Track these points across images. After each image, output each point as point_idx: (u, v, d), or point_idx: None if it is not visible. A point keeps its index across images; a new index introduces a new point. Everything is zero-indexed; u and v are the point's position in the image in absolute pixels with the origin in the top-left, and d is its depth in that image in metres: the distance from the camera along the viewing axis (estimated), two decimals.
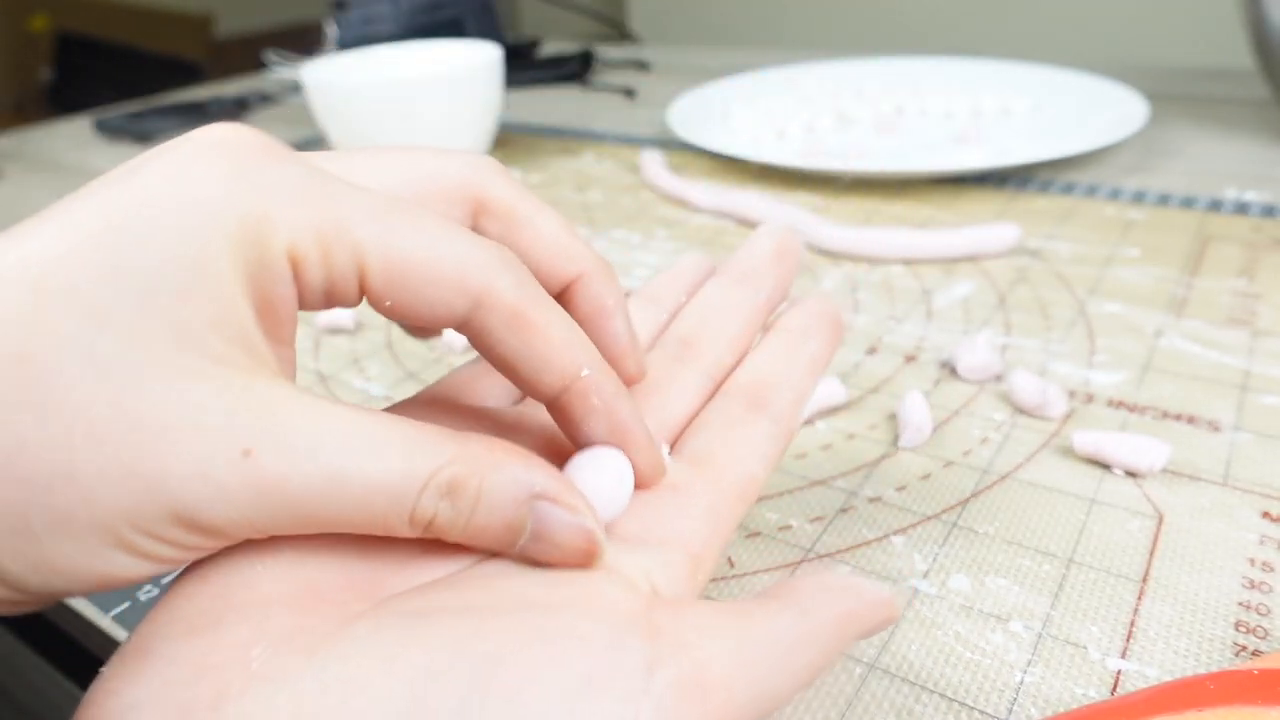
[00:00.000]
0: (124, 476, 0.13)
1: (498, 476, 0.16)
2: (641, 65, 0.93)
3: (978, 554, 0.25)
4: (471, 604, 0.15)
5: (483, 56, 0.61)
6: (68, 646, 0.28)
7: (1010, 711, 0.20)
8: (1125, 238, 0.44)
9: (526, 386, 0.18)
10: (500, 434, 0.18)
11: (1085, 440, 0.28)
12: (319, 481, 0.14)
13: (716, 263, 0.25)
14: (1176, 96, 0.68)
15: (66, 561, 0.14)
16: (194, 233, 0.15)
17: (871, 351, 0.35)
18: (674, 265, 0.25)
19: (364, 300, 0.17)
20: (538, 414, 0.21)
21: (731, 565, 0.25)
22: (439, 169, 0.19)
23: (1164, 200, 0.48)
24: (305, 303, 0.17)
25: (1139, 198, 0.49)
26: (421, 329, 0.21)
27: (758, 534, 0.26)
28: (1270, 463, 0.27)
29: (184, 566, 0.15)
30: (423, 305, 0.17)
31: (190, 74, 2.21)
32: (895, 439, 0.30)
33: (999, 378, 0.33)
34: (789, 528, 0.26)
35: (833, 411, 0.31)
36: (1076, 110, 0.61)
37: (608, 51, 0.99)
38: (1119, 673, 0.21)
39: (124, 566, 0.14)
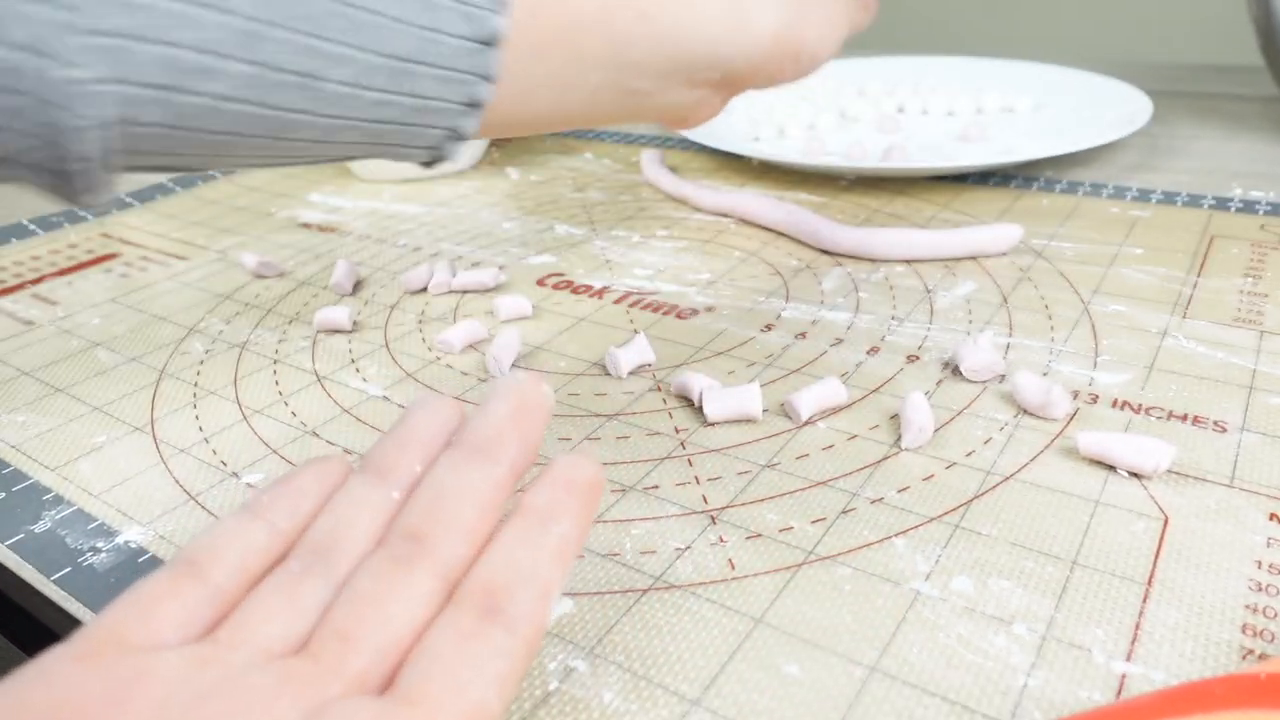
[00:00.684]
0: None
1: None
2: None
3: (981, 556, 0.24)
4: None
5: None
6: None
7: (1013, 715, 0.20)
8: (1130, 237, 0.43)
9: None
10: None
11: (1089, 441, 0.27)
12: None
13: (460, 410, 0.22)
14: (1181, 94, 0.67)
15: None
16: None
17: (873, 351, 0.35)
18: (408, 419, 0.22)
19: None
20: None
21: (732, 567, 0.24)
22: None
23: (1169, 199, 0.48)
24: None
25: (1143, 196, 0.48)
26: None
27: (758, 535, 0.26)
28: (1278, 464, 0.27)
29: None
30: None
31: None
32: (897, 439, 0.29)
33: (1002, 378, 0.32)
34: (790, 529, 0.26)
35: (834, 412, 0.31)
36: (1080, 108, 0.61)
37: None
38: (1124, 676, 0.20)
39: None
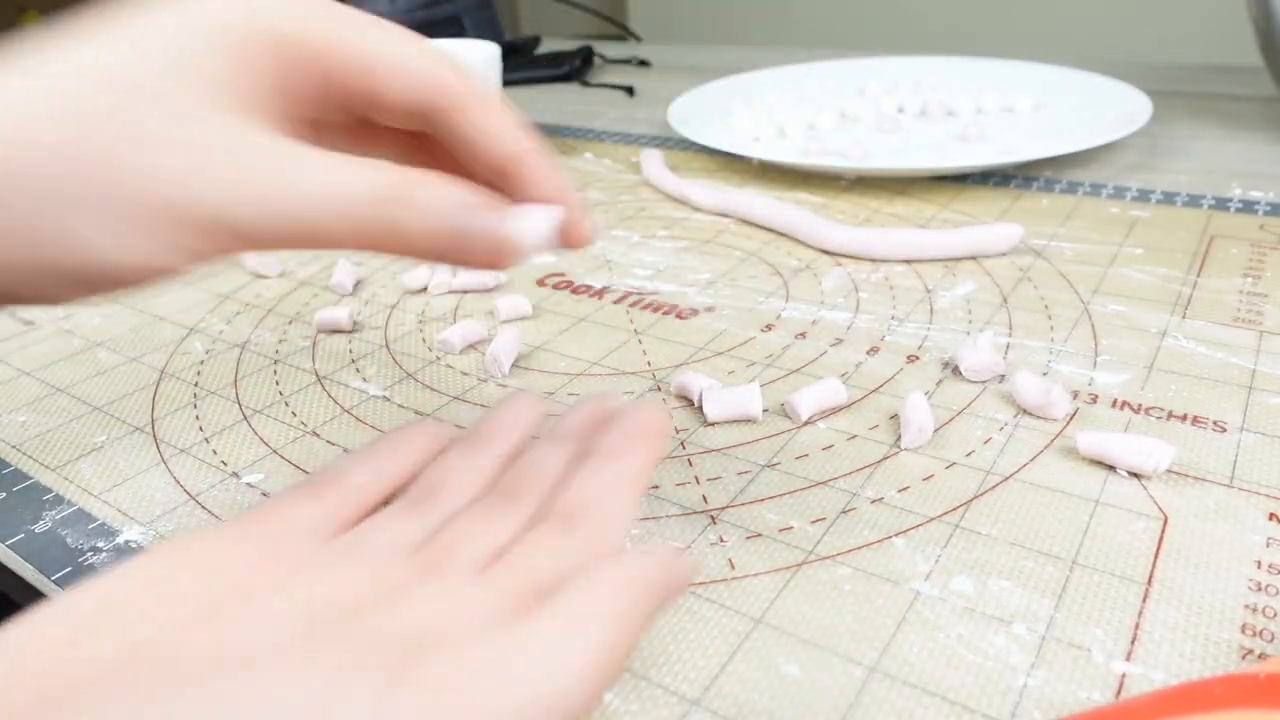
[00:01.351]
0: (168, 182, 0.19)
1: (429, 191, 0.20)
2: (642, 63, 0.93)
3: (980, 555, 0.24)
4: None
5: (481, 54, 0.61)
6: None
7: (1013, 715, 0.20)
8: (1129, 237, 0.43)
9: (484, 156, 0.22)
10: None
11: (1089, 441, 0.27)
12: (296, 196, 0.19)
13: (545, 404, 0.26)
14: (1181, 94, 0.67)
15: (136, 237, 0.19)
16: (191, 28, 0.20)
17: (873, 351, 0.35)
18: (500, 409, 0.25)
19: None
20: None
21: (732, 567, 0.24)
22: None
23: (1169, 199, 0.48)
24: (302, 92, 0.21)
25: (1143, 196, 0.48)
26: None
27: (759, 535, 0.26)
28: (1277, 464, 0.27)
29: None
30: (394, 92, 0.22)
31: None
32: (897, 439, 0.29)
33: (1002, 378, 0.32)
34: (790, 529, 0.26)
35: (834, 412, 0.31)
36: (1080, 108, 0.61)
37: (608, 50, 0.99)
38: (1123, 676, 0.20)
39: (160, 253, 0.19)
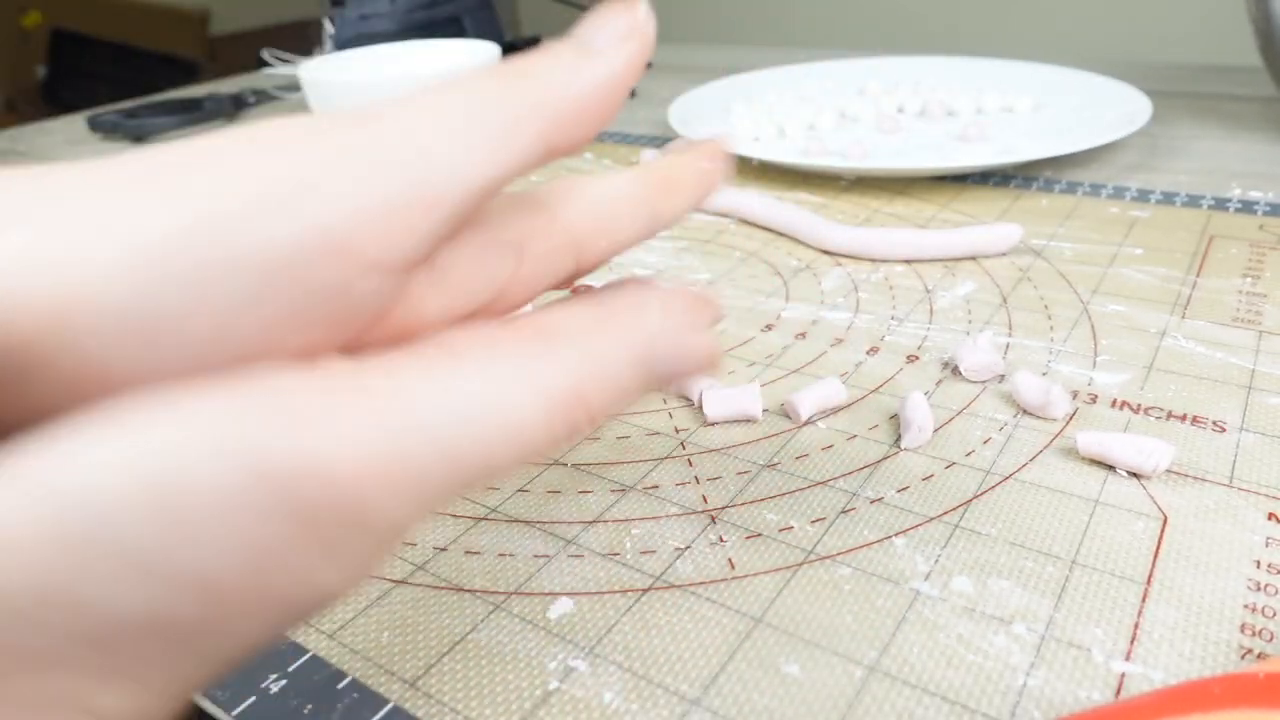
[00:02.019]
0: None
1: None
2: None
3: (980, 555, 0.24)
4: None
5: (481, 55, 0.61)
6: None
7: (1013, 715, 0.20)
8: (1129, 237, 0.43)
9: None
10: None
11: (1088, 441, 0.27)
12: None
13: None
14: (1180, 94, 0.67)
15: None
16: None
17: (873, 351, 0.35)
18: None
19: None
20: None
21: (732, 567, 0.25)
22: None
23: (1168, 199, 0.48)
24: None
25: (1143, 196, 0.48)
26: None
27: (758, 535, 0.26)
28: (1277, 464, 0.27)
29: None
30: None
31: (186, 71, 2.21)
32: (897, 439, 0.29)
33: (1002, 378, 0.32)
34: (790, 529, 0.26)
35: (834, 412, 0.31)
36: (1079, 108, 0.61)
37: None
38: (1123, 675, 0.20)
39: None
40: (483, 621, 0.23)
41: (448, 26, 0.82)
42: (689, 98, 0.67)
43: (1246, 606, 0.22)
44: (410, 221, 0.14)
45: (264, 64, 0.92)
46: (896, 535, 0.25)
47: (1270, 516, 0.25)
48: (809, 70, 0.74)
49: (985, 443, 0.29)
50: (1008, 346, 0.35)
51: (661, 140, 0.66)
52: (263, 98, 0.87)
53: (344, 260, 0.13)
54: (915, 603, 0.23)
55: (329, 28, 0.84)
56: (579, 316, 0.17)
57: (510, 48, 0.92)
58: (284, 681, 0.22)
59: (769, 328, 0.37)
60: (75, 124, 0.84)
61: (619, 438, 0.31)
